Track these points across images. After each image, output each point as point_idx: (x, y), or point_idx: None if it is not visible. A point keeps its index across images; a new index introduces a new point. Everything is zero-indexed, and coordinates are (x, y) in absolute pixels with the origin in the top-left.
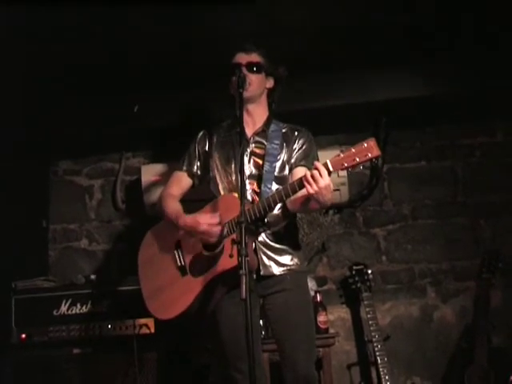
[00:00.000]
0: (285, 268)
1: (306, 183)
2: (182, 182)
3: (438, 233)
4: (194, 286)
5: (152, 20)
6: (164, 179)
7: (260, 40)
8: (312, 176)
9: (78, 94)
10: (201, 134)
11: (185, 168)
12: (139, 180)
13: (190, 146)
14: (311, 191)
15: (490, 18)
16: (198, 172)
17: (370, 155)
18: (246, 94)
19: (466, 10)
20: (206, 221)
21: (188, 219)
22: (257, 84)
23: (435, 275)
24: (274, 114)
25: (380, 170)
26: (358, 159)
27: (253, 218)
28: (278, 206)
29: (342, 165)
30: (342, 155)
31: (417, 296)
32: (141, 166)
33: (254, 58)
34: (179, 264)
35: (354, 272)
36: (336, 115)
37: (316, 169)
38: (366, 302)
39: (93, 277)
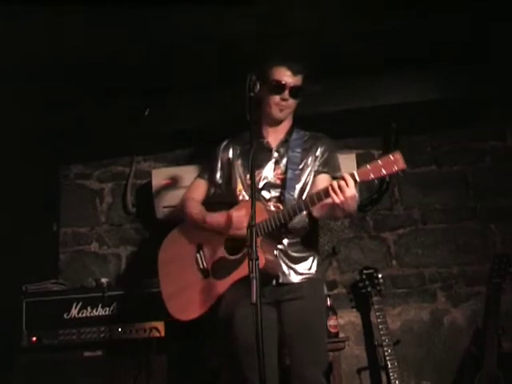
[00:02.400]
0: (303, 276)
1: (332, 192)
2: (202, 189)
3: (448, 237)
4: (216, 288)
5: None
6: (174, 183)
7: (266, 43)
8: (339, 186)
9: (89, 96)
10: (224, 143)
11: (206, 177)
12: (150, 184)
13: (213, 154)
14: (337, 201)
15: (498, 19)
16: (220, 181)
17: (396, 168)
18: (280, 116)
19: (475, 13)
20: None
21: (216, 215)
22: (293, 107)
23: (445, 280)
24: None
25: None
26: (384, 171)
27: (278, 224)
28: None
29: (369, 176)
30: (368, 167)
31: (427, 300)
32: (151, 169)
33: (298, 81)
34: (201, 266)
35: (364, 276)
36: (345, 120)
37: (343, 179)
38: (376, 306)
39: (103, 280)
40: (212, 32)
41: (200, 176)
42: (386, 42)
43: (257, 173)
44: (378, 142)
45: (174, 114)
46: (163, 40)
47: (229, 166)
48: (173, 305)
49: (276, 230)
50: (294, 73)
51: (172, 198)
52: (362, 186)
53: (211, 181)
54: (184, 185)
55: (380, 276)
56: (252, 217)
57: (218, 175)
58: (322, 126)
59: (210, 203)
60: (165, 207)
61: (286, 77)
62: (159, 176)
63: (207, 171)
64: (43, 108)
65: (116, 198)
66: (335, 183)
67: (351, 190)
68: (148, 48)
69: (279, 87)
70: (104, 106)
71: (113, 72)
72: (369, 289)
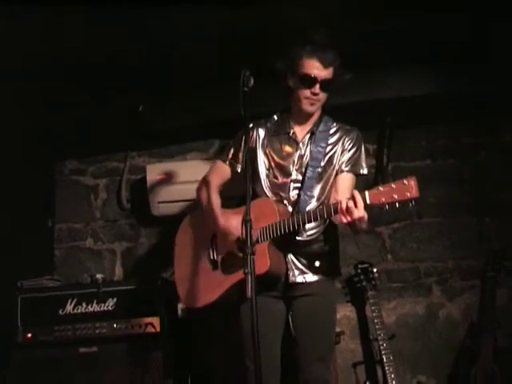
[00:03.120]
0: (314, 276)
1: (340, 212)
2: (223, 173)
3: (443, 231)
4: (222, 282)
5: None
6: (169, 178)
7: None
8: (347, 207)
9: (83, 92)
10: (250, 126)
11: (228, 162)
12: (144, 179)
13: (237, 137)
14: (344, 221)
15: (497, 15)
16: (241, 165)
17: (409, 195)
18: (310, 110)
19: (474, 9)
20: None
21: (221, 224)
22: (323, 100)
23: (441, 274)
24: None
25: (385, 168)
26: (396, 197)
27: (286, 230)
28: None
29: (380, 199)
30: (381, 189)
31: (422, 294)
32: (146, 165)
33: (330, 73)
34: (212, 258)
35: (359, 271)
36: (341, 113)
37: (353, 199)
38: (371, 301)
39: (98, 276)
40: (212, 32)
41: (222, 159)
42: (386, 41)
43: (281, 165)
44: (373, 136)
45: (170, 112)
46: (163, 40)
47: (252, 151)
48: (182, 289)
49: (284, 236)
50: (325, 65)
51: (166, 194)
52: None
53: (232, 165)
54: (178, 180)
55: (375, 270)
56: (246, 212)
57: (240, 159)
58: None
59: (226, 197)
60: (159, 202)
61: (317, 70)
62: (154, 171)
63: (229, 155)
64: (40, 106)
65: (111, 193)
66: (344, 203)
67: (359, 212)
68: (147, 48)
69: (309, 81)
70: (100, 103)
71: (110, 70)
72: (364, 283)
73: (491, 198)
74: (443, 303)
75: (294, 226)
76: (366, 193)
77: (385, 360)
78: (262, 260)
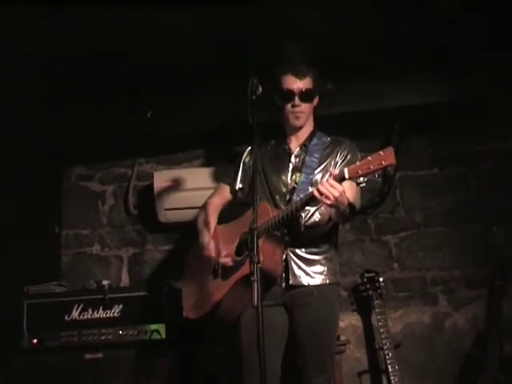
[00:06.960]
0: (315, 280)
1: (322, 191)
2: (224, 193)
3: (450, 240)
4: (220, 288)
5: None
6: (176, 185)
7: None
8: (324, 187)
9: (91, 98)
10: (248, 149)
11: (229, 182)
12: (152, 186)
13: (237, 160)
14: (327, 202)
15: (504, 19)
16: (240, 185)
17: (383, 163)
18: (297, 124)
19: (480, 12)
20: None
21: (204, 241)
22: (308, 111)
23: (447, 283)
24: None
25: (392, 177)
26: (372, 167)
27: (276, 223)
28: (317, 215)
29: (357, 172)
30: (358, 163)
31: (428, 304)
32: (153, 171)
33: (307, 83)
34: (214, 268)
35: (365, 279)
36: (347, 122)
37: (327, 180)
38: (377, 310)
39: (105, 282)
40: (212, 32)
41: (223, 180)
42: (388, 43)
43: (275, 179)
44: (380, 144)
45: (178, 118)
46: (165, 41)
47: (250, 171)
48: (185, 305)
49: (276, 230)
50: (300, 77)
51: (174, 201)
52: (363, 188)
53: (232, 186)
54: (186, 187)
55: (381, 279)
56: (254, 220)
57: (239, 180)
58: (323, 128)
59: (235, 204)
60: (166, 209)
61: (293, 83)
62: (161, 178)
63: (230, 177)
64: (47, 111)
65: (118, 199)
66: (320, 187)
67: (337, 187)
68: (150, 49)
69: (288, 95)
70: (108, 109)
71: (115, 73)
72: (370, 292)
73: (498, 206)
74: (449, 313)
75: (283, 217)
76: (345, 169)
77: (390, 369)
78: None
